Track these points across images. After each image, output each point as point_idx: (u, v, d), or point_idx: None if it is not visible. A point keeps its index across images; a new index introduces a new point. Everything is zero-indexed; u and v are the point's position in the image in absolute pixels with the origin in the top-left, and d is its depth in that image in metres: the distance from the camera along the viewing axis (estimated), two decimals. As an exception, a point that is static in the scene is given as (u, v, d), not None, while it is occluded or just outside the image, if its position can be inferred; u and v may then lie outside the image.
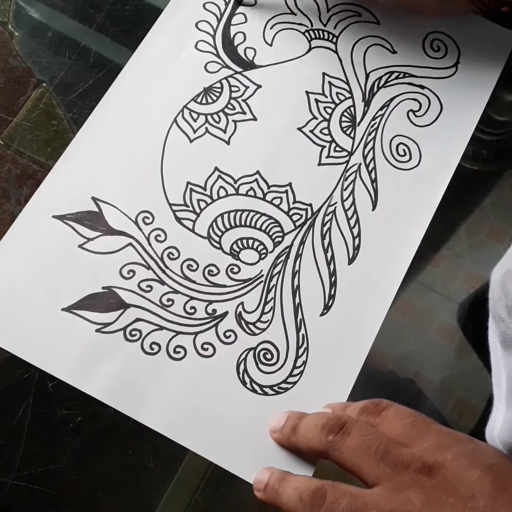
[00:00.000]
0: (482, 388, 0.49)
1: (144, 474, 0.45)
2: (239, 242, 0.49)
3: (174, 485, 0.45)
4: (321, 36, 0.55)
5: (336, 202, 0.51)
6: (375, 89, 0.54)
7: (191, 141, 0.51)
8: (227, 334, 0.47)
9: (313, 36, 0.55)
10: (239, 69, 0.53)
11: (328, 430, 0.41)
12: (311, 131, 0.52)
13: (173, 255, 0.49)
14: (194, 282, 0.48)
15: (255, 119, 0.52)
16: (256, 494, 0.43)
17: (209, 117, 0.52)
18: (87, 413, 0.46)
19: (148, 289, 0.48)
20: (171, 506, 0.45)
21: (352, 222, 0.50)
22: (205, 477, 0.46)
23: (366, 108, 0.53)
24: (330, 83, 0.53)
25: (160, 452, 0.46)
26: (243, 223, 0.50)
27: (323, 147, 0.52)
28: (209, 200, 0.50)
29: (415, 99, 0.54)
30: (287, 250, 0.49)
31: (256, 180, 0.51)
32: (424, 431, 0.41)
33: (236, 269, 0.49)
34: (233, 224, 0.50)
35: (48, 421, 0.46)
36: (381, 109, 0.53)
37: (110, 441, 0.46)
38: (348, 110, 0.53)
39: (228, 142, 0.52)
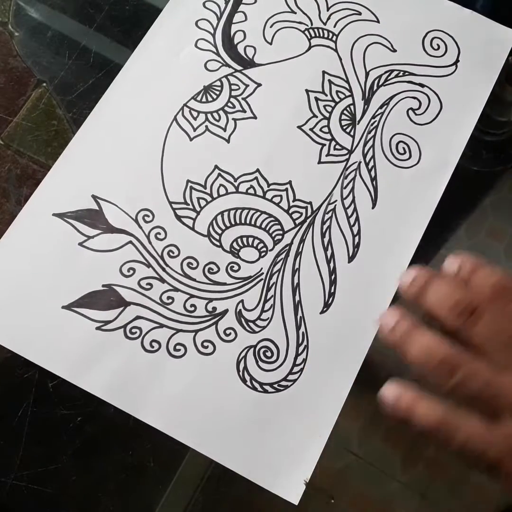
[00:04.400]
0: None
1: (144, 474, 0.45)
2: (239, 240, 0.49)
3: (174, 484, 0.45)
4: (321, 35, 0.55)
5: (336, 200, 0.51)
6: (375, 88, 0.54)
7: (191, 139, 0.51)
8: (227, 332, 0.47)
9: (313, 35, 0.55)
10: (239, 68, 0.54)
11: (459, 311, 0.40)
12: (311, 129, 0.52)
13: (173, 253, 0.49)
14: (194, 280, 0.48)
15: (255, 117, 0.52)
16: (381, 335, 0.42)
17: (209, 115, 0.52)
18: (87, 413, 0.46)
19: (148, 287, 0.48)
20: (171, 506, 0.45)
21: (352, 220, 0.50)
22: (205, 477, 0.46)
23: (366, 106, 0.53)
24: (330, 82, 0.54)
25: (160, 451, 0.46)
26: (243, 221, 0.50)
27: (323, 145, 0.52)
28: (209, 198, 0.50)
29: (414, 97, 0.54)
30: (287, 248, 0.49)
31: (256, 178, 0.51)
32: None
33: (236, 267, 0.49)
34: (233, 222, 0.50)
35: (48, 421, 0.46)
36: (381, 107, 0.53)
37: (110, 441, 0.46)
38: (348, 108, 0.53)
39: (228, 141, 0.52)
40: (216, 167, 0.51)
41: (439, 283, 0.41)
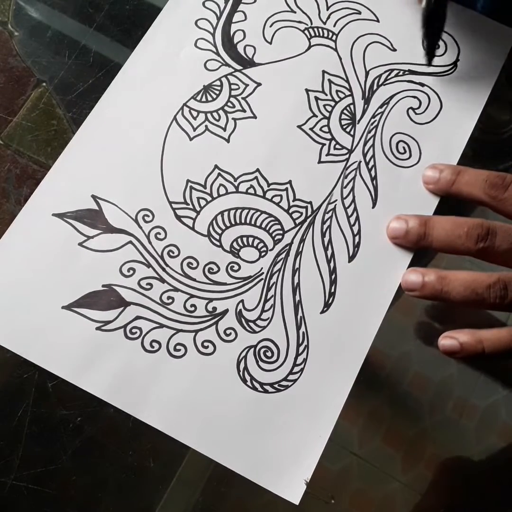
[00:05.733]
0: (482, 388, 0.49)
1: (144, 474, 0.45)
2: (239, 240, 0.49)
3: (174, 485, 0.45)
4: (321, 34, 0.55)
5: (336, 200, 0.51)
6: (375, 87, 0.54)
7: (191, 139, 0.51)
8: (228, 332, 0.47)
9: (312, 34, 0.55)
10: (238, 67, 0.53)
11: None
12: (311, 129, 0.52)
13: (173, 253, 0.48)
14: (194, 280, 0.48)
15: (254, 117, 0.52)
16: (410, 294, 0.42)
17: (208, 115, 0.52)
18: (87, 413, 0.46)
19: (148, 287, 0.48)
20: (171, 506, 0.45)
21: (352, 219, 0.50)
22: (205, 477, 0.45)
23: (366, 105, 0.53)
24: (330, 81, 0.54)
25: (160, 452, 0.45)
26: (243, 221, 0.50)
27: (323, 144, 0.52)
28: (209, 198, 0.50)
29: (414, 97, 0.54)
30: (287, 248, 0.49)
31: (256, 178, 0.51)
32: None
33: (236, 267, 0.49)
34: (233, 222, 0.50)
35: (48, 421, 0.45)
36: (381, 106, 0.53)
37: (110, 441, 0.46)
38: (348, 108, 0.53)
39: (228, 140, 0.52)
40: (216, 166, 0.51)
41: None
